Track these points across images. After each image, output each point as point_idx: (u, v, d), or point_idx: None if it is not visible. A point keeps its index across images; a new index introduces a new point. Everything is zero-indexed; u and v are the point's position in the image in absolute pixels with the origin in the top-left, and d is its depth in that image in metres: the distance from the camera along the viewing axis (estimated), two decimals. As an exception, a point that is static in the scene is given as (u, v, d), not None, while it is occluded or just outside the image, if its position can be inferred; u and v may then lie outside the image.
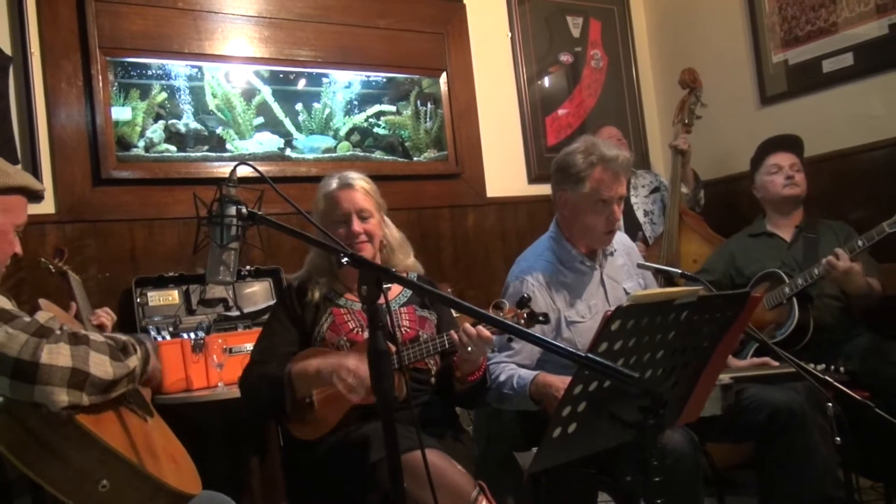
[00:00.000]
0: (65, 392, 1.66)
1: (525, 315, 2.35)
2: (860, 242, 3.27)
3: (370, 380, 1.66)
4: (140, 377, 1.95)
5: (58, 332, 1.74)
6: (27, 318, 1.75)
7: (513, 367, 2.61)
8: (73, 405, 1.68)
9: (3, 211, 2.01)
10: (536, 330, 2.61)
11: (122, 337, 1.94)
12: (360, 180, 2.64)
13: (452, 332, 2.35)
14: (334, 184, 2.62)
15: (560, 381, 2.41)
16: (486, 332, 2.28)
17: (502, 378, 2.59)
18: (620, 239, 3.01)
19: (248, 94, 4.12)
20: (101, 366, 1.76)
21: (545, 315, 2.38)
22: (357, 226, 2.57)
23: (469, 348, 2.30)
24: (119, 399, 1.95)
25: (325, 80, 4.35)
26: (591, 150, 2.72)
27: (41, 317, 1.78)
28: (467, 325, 2.30)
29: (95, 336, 1.83)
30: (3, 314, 1.72)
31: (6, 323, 1.69)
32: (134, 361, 1.89)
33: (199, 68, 4.00)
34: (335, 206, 2.59)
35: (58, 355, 1.68)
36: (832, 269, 3.24)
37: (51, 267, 2.72)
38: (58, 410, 1.66)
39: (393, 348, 1.68)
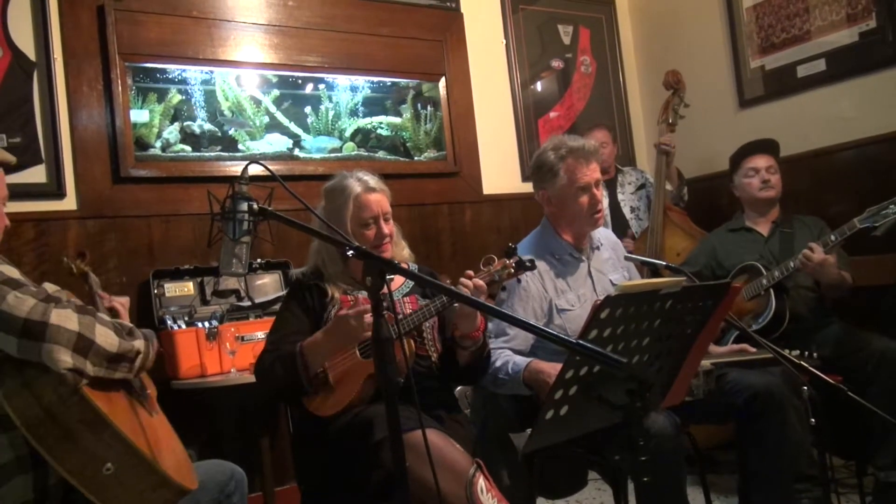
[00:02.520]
0: (69, 354, 1.64)
1: (514, 264, 2.35)
2: (833, 237, 3.27)
3: (374, 363, 1.65)
4: (144, 364, 1.93)
5: (65, 301, 1.73)
6: (35, 287, 1.73)
7: (508, 354, 2.61)
8: (77, 370, 1.65)
9: None
10: (529, 314, 2.66)
11: (127, 324, 1.93)
12: (382, 183, 2.64)
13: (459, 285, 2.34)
14: (359, 187, 2.57)
15: (551, 368, 2.41)
16: (480, 282, 2.31)
17: (498, 364, 2.59)
18: (605, 234, 3.03)
19: (258, 98, 4.11)
20: (105, 337, 1.74)
21: (531, 261, 2.37)
22: (385, 228, 2.58)
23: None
24: (130, 392, 1.93)
25: (321, 85, 4.34)
26: (559, 145, 2.78)
27: (49, 287, 1.77)
28: (464, 280, 2.31)
29: (102, 314, 1.82)
30: (12, 282, 1.69)
31: (15, 289, 1.67)
32: (139, 344, 1.87)
33: (213, 73, 3.99)
34: (364, 208, 2.56)
35: (67, 319, 1.67)
36: (808, 262, 3.24)
37: (73, 267, 2.68)
38: (61, 371, 1.62)
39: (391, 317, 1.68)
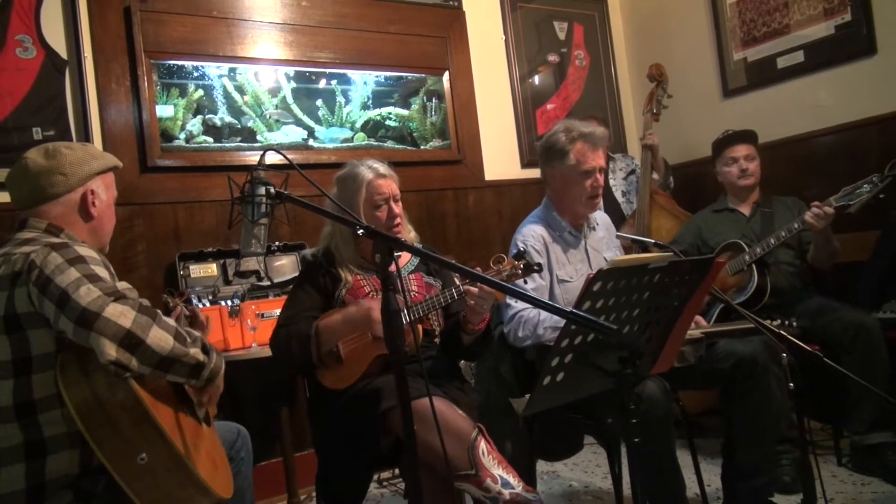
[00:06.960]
0: (114, 348, 1.60)
1: (521, 266, 2.36)
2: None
3: (385, 335, 1.65)
4: (214, 379, 1.87)
5: (131, 300, 1.70)
6: (109, 283, 1.72)
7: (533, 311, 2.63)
8: (121, 364, 1.61)
9: (107, 187, 2.07)
10: (530, 284, 2.66)
11: (196, 333, 1.83)
12: (391, 169, 2.63)
13: (466, 286, 2.36)
14: (371, 174, 2.57)
15: None
16: (487, 288, 2.31)
17: (543, 317, 2.59)
18: (601, 216, 3.03)
19: (275, 92, 4.10)
20: (159, 340, 1.67)
21: (539, 265, 2.37)
22: (396, 208, 2.58)
23: (480, 302, 2.33)
24: (184, 400, 1.92)
25: (332, 80, 4.31)
26: (570, 128, 2.78)
27: (121, 285, 1.75)
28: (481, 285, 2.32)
29: (168, 319, 1.75)
30: (94, 277, 1.70)
31: (92, 283, 1.68)
32: (198, 354, 1.77)
33: (232, 69, 3.97)
34: (376, 192, 2.55)
35: (121, 315, 1.64)
36: (820, 217, 3.19)
37: (169, 301, 2.42)
38: (105, 363, 1.60)
39: (402, 301, 1.67)
